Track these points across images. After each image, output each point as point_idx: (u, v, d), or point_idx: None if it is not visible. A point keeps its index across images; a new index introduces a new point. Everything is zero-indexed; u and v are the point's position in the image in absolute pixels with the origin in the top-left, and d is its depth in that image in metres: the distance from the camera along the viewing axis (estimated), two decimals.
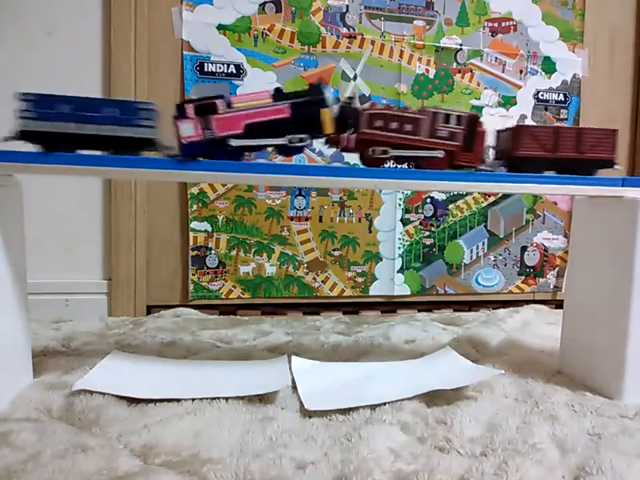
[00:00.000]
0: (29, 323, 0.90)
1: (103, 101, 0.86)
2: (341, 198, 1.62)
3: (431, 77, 1.66)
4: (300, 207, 1.60)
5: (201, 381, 0.91)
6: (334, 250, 1.62)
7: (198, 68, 1.52)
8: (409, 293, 1.68)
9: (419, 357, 1.06)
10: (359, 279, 1.64)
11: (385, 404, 0.83)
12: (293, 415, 0.81)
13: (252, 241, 1.57)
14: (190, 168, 0.83)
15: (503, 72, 1.72)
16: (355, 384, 0.91)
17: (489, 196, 1.73)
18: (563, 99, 1.75)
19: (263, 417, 0.79)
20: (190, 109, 0.82)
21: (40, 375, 0.92)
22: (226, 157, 0.83)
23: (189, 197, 1.52)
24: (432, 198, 1.69)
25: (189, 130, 0.82)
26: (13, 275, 0.84)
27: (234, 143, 0.83)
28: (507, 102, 1.73)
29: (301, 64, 1.58)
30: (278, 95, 0.86)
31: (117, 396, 0.82)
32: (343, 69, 1.60)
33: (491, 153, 0.97)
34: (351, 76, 1.61)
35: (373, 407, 0.82)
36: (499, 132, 0.99)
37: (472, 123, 0.89)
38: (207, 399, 0.83)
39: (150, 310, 1.50)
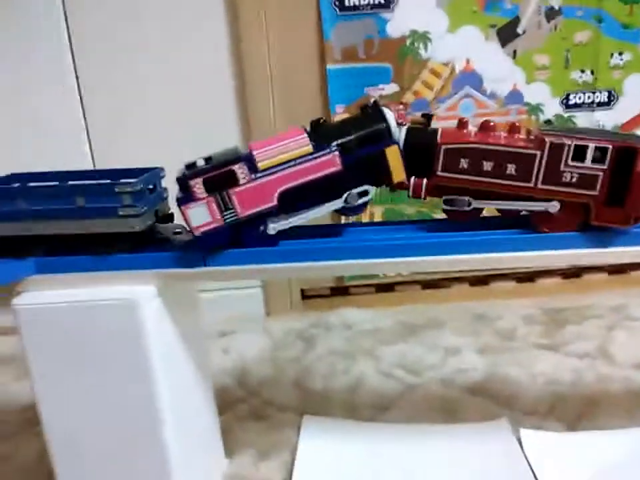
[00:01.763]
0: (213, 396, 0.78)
1: (70, 186, 0.58)
2: None
3: None
4: None
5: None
6: None
7: (337, 3, 1.18)
8: None
9: None
10: None
11: None
12: None
13: None
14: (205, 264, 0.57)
15: None
16: None
17: None
18: None
19: None
20: (197, 186, 0.54)
21: (232, 453, 0.82)
22: (262, 243, 0.57)
23: None
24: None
25: (202, 216, 0.55)
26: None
27: (272, 229, 0.56)
28: None
29: None
30: (317, 131, 0.57)
31: None
32: None
33: None
34: None
35: None
36: None
37: (624, 159, 0.53)
38: None
39: (303, 294, 1.36)
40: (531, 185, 0.56)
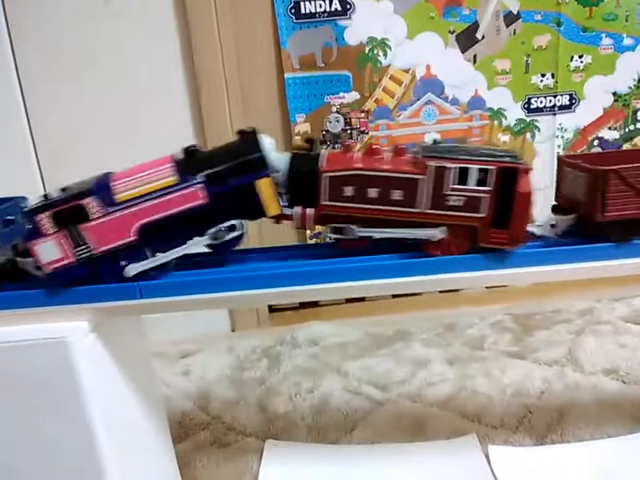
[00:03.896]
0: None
1: None
2: None
3: None
4: None
5: None
6: None
7: (293, 10, 1.16)
8: None
9: None
10: None
11: None
12: None
13: None
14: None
15: None
16: None
17: None
18: None
19: None
20: (45, 220, 0.50)
21: None
22: (122, 279, 0.53)
23: None
24: (600, 139, 1.33)
25: (52, 253, 0.51)
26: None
27: (132, 269, 0.52)
28: None
29: None
30: (188, 163, 0.52)
31: None
32: None
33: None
34: None
35: None
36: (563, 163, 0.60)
37: (507, 180, 0.52)
38: None
39: (270, 307, 1.33)
40: (417, 210, 0.53)
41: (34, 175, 1.16)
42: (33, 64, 1.11)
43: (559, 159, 0.62)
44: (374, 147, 0.54)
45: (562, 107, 1.30)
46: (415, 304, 1.32)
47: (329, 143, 1.24)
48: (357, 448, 0.83)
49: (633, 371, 0.96)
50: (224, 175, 0.52)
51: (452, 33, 1.22)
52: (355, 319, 1.26)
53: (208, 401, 0.98)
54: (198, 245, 0.53)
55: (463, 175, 0.52)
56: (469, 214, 0.53)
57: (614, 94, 1.29)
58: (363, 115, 1.24)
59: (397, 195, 0.53)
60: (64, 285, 0.52)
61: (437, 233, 0.54)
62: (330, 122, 1.23)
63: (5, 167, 1.13)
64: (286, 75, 1.19)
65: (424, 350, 1.09)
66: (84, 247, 0.51)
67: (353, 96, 1.23)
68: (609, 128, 1.33)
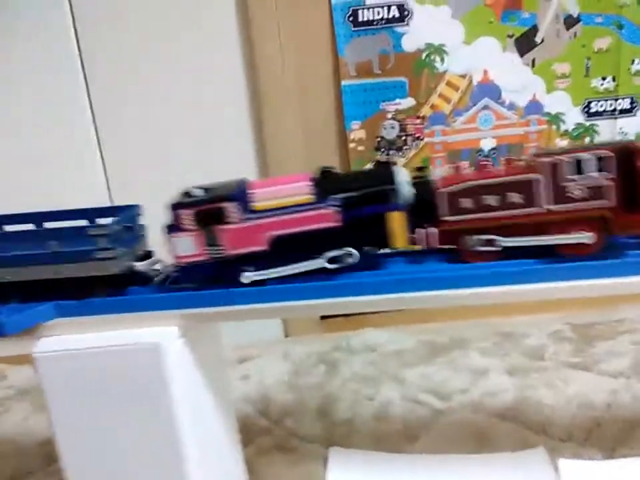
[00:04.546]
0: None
1: (44, 231, 0.58)
2: None
3: None
4: None
5: None
6: None
7: (351, 18, 1.17)
8: None
9: None
10: None
11: None
12: None
13: None
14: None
15: None
16: None
17: None
18: None
19: None
20: (188, 217, 0.53)
21: None
22: (240, 284, 0.55)
23: None
24: None
25: (187, 247, 0.54)
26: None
27: (246, 278, 0.54)
28: None
29: None
30: (323, 183, 0.54)
31: None
32: None
33: None
34: None
35: None
36: None
37: (626, 160, 0.50)
38: None
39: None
40: (542, 209, 0.53)
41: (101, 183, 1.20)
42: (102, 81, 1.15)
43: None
44: (482, 162, 0.55)
45: (623, 111, 1.26)
46: (466, 311, 1.31)
47: (383, 150, 1.24)
48: (422, 457, 0.82)
49: None
50: (359, 201, 0.53)
51: (511, 36, 1.20)
52: (408, 325, 1.26)
53: (268, 406, 0.99)
54: (316, 265, 0.54)
55: (579, 165, 0.51)
56: (597, 203, 0.52)
57: None
58: (418, 121, 1.23)
59: (515, 197, 0.53)
60: (190, 281, 0.55)
61: (589, 236, 0.52)
62: (385, 128, 1.23)
63: (75, 174, 1.17)
64: (342, 83, 1.20)
65: (481, 359, 1.08)
66: (217, 247, 0.53)
67: (409, 102, 1.22)
68: None
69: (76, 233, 0.55)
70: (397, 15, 1.17)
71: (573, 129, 1.27)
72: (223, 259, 0.54)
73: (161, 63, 1.15)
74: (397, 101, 1.22)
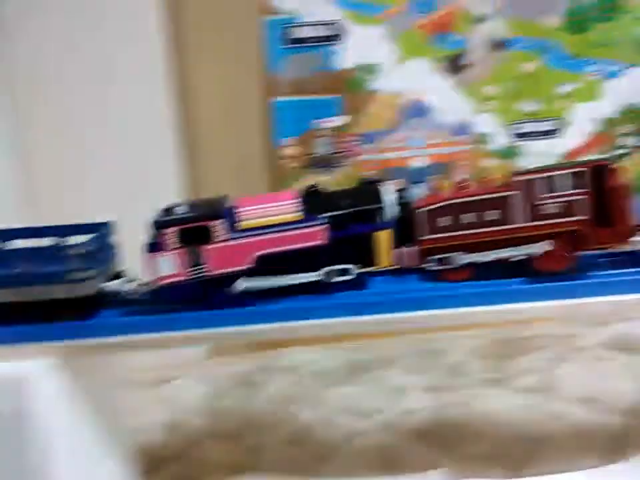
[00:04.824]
0: None
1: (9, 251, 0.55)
2: None
3: None
4: None
5: None
6: None
7: (284, 35, 1.17)
8: None
9: None
10: None
11: None
12: None
13: None
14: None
15: None
16: None
17: None
18: None
19: None
20: (171, 236, 0.52)
21: None
22: (228, 303, 0.54)
23: None
24: None
25: (168, 267, 0.52)
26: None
27: (241, 285, 0.53)
28: None
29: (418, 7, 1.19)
30: (310, 201, 0.55)
31: None
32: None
33: None
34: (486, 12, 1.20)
35: None
36: None
37: (599, 177, 0.54)
38: None
39: None
40: (518, 225, 0.55)
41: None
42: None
43: None
44: (460, 181, 0.58)
45: (548, 133, 1.31)
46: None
47: (315, 166, 1.25)
48: None
49: (610, 401, 0.97)
50: (346, 220, 0.54)
51: (441, 58, 1.23)
52: (338, 343, 1.27)
53: (180, 433, 0.97)
54: (307, 280, 0.54)
55: (551, 183, 0.54)
56: (571, 218, 0.54)
57: (601, 120, 1.31)
58: (351, 138, 1.25)
59: (493, 215, 0.55)
60: (168, 302, 0.53)
61: (543, 246, 0.55)
62: (318, 146, 1.24)
63: None
64: (275, 100, 1.20)
65: (404, 377, 1.10)
66: (200, 267, 0.52)
67: (342, 120, 1.23)
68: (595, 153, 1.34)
69: (47, 253, 0.52)
70: (332, 33, 1.18)
71: (500, 150, 1.30)
72: (206, 278, 0.52)
73: (86, 84, 1.13)
74: (331, 118, 1.23)
